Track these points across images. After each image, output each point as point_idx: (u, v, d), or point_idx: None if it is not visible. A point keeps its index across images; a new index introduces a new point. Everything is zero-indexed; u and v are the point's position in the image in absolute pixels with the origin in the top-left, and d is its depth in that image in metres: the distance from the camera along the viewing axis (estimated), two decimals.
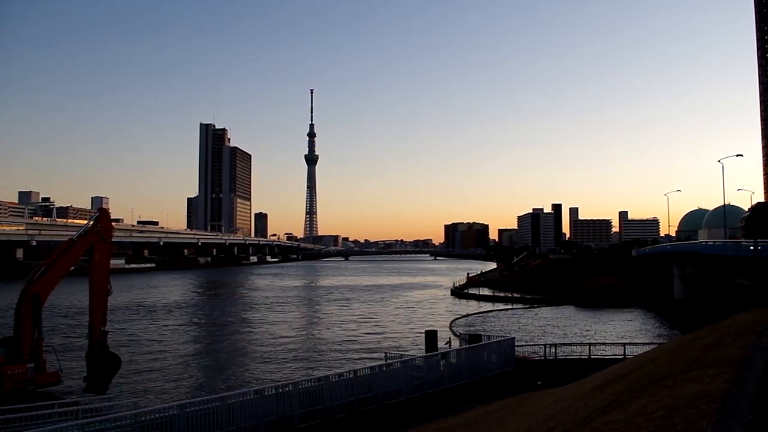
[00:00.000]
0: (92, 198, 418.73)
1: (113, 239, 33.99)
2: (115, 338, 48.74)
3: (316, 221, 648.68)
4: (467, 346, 32.33)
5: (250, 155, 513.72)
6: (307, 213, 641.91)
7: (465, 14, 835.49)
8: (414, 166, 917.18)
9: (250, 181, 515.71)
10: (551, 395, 18.19)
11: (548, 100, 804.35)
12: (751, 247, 47.52)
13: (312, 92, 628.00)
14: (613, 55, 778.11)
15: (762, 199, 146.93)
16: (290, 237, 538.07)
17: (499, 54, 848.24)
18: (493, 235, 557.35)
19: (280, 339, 56.74)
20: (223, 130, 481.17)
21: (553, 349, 36.30)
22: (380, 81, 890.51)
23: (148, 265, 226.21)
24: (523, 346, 39.21)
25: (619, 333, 56.74)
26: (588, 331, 59.21)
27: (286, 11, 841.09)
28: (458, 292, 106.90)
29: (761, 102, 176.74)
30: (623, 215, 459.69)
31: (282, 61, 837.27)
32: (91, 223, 31.90)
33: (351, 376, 24.56)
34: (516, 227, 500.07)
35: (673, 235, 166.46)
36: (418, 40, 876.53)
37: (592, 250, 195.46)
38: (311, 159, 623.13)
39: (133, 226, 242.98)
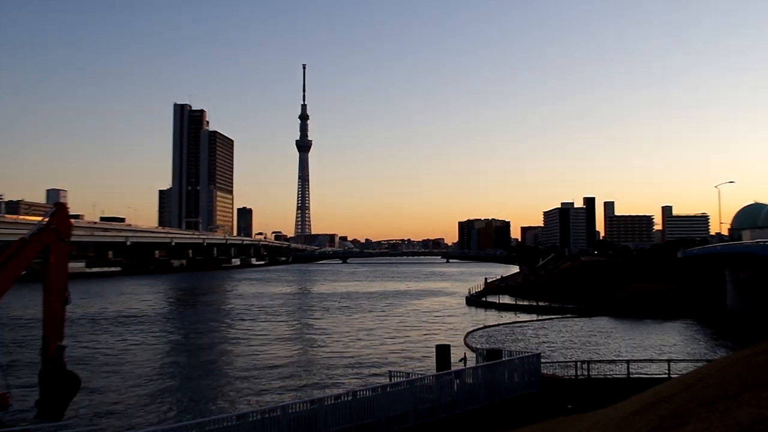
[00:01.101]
0: (47, 191, 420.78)
1: (72, 238, 34.02)
2: (74, 354, 48.85)
3: (309, 218, 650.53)
4: (485, 363, 32.34)
5: (232, 141, 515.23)
6: (298, 208, 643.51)
7: None
8: (423, 155, 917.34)
9: (232, 171, 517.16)
10: (583, 421, 18.14)
11: (579, 77, 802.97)
12: None
13: (304, 67, 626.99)
14: (654, 23, 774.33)
15: None
16: (279, 236, 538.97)
17: (525, 23, 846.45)
18: (515, 233, 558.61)
19: (266, 355, 56.81)
20: (201, 111, 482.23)
21: (585, 367, 36.30)
22: (384, 55, 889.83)
23: (113, 268, 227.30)
24: (550, 363, 39.18)
25: (663, 348, 56.65)
26: (626, 345, 59.10)
27: None
28: (474, 301, 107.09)
29: None
30: (667, 211, 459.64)
31: (269, 32, 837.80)
32: (46, 219, 31.93)
33: (349, 398, 24.60)
34: (542, 224, 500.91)
35: (726, 233, 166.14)
36: (427, 6, 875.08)
37: (631, 251, 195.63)
38: (303, 145, 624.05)
39: (95, 223, 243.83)
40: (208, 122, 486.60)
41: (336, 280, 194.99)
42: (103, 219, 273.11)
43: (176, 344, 65.88)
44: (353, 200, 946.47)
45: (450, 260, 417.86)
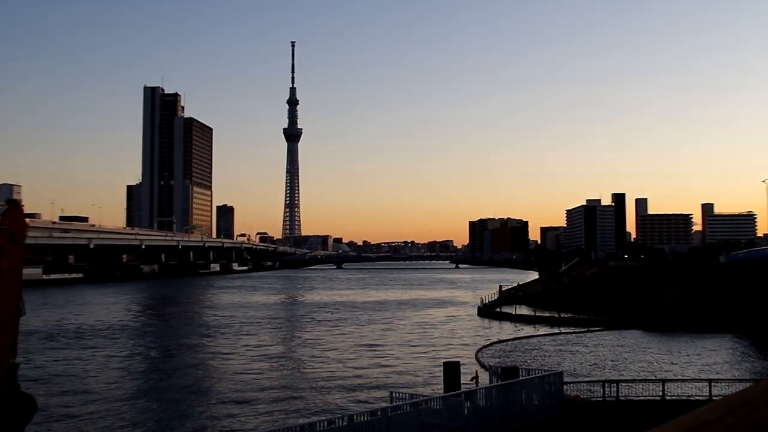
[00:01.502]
0: None
1: (27, 240, 34.02)
2: (28, 373, 48.86)
3: (299, 217, 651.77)
4: (500, 382, 32.30)
5: (210, 129, 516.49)
6: (286, 206, 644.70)
7: None
8: (428, 146, 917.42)
9: (210, 164, 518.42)
10: None
11: (605, 56, 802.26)
12: None
13: (293, 46, 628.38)
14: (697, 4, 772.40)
15: None
16: (264, 238, 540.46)
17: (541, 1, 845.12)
18: (534, 235, 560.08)
19: (251, 374, 56.92)
20: (175, 95, 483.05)
21: (614, 387, 36.30)
22: (384, 34, 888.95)
23: (74, 275, 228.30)
24: (574, 382, 39.16)
25: (703, 366, 56.77)
26: (661, 363, 59.22)
27: None
28: (488, 312, 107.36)
29: None
30: (708, 209, 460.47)
31: (253, 6, 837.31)
32: None
33: (345, 423, 24.55)
34: (564, 225, 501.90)
35: None
36: None
37: (666, 254, 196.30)
38: (292, 134, 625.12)
39: (54, 223, 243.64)
40: (183, 108, 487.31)
41: (330, 288, 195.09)
42: (63, 218, 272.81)
43: (146, 363, 65.92)
44: (349, 197, 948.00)
45: (459, 265, 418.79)
